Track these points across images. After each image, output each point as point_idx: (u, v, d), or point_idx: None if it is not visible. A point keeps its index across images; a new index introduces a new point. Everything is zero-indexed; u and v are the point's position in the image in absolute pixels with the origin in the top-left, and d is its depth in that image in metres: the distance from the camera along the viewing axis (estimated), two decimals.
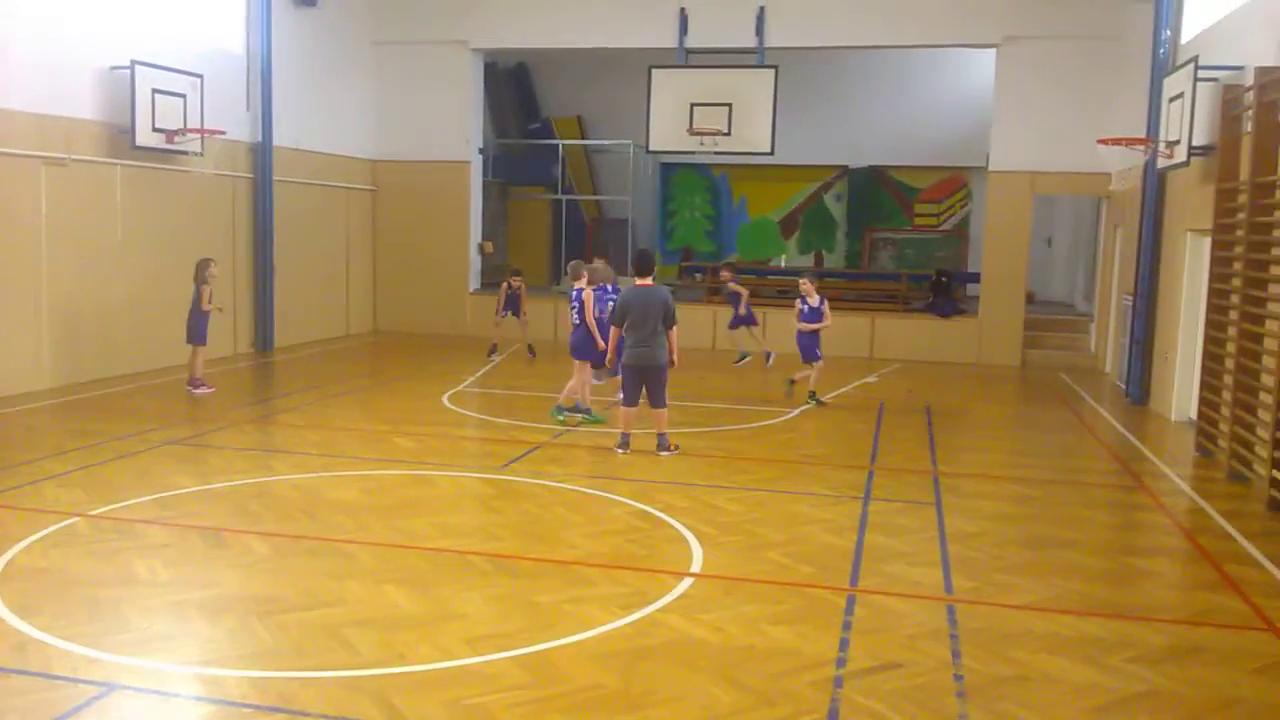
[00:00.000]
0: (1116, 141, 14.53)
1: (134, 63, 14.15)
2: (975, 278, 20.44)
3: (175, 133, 14.87)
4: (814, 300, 13.63)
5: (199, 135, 15.29)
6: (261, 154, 17.50)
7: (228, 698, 5.04)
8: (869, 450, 11.16)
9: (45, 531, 7.50)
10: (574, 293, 12.20)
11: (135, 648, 5.56)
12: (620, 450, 10.51)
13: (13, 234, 12.90)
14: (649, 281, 10.52)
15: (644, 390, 10.54)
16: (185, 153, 15.25)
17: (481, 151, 21.72)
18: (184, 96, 15.03)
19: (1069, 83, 18.07)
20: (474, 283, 21.26)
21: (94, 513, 8.02)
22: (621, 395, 10.78)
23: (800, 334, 13.69)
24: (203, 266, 13.33)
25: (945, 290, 20.29)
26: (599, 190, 26.69)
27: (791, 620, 6.16)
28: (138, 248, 14.85)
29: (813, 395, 13.65)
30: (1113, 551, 8.09)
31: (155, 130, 14.56)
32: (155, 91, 14.49)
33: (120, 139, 14.30)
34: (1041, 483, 10.06)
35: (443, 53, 20.74)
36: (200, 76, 15.35)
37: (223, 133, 15.75)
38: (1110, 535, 8.70)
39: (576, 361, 12.04)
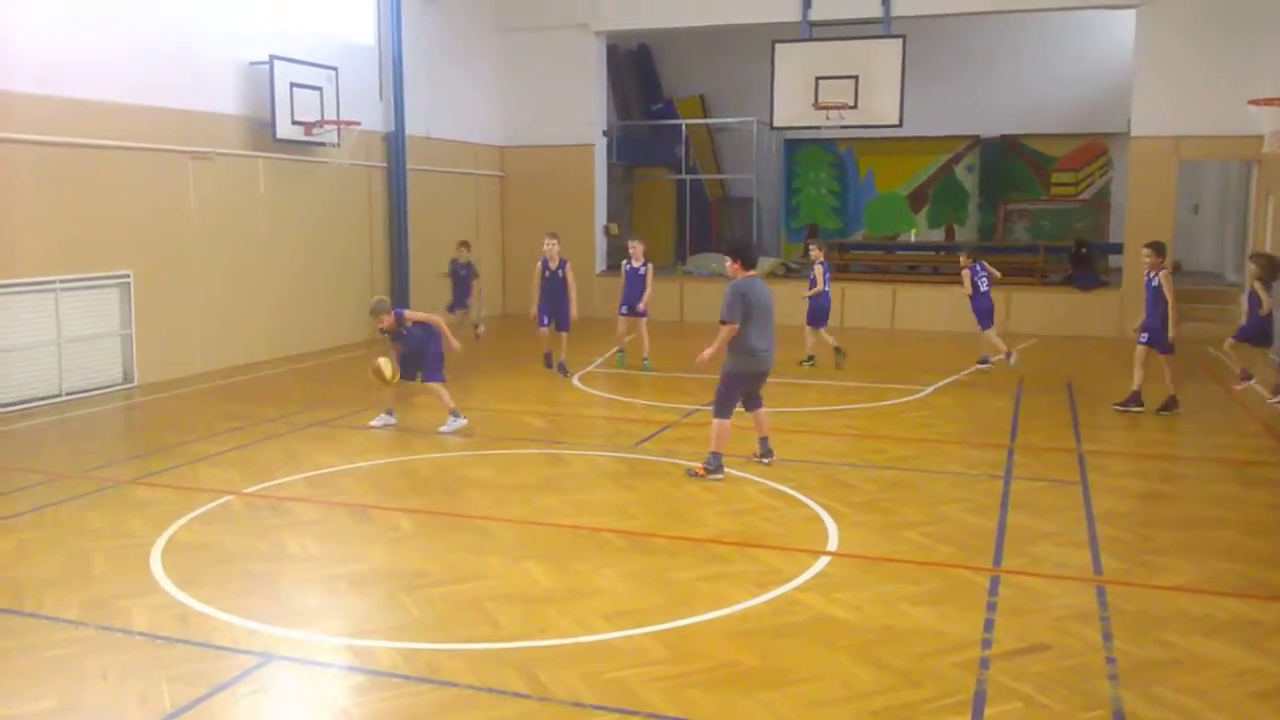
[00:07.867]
0: (1269, 102, 13.79)
1: (272, 58, 14.64)
2: (1117, 248, 19.67)
3: (313, 125, 15.35)
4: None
5: (335, 126, 15.77)
6: (394, 143, 17.94)
7: (378, 668, 5.21)
8: (1008, 428, 10.87)
9: (202, 509, 7.86)
10: None
11: (290, 619, 5.80)
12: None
13: (164, 226, 13.51)
14: (754, 273, 8.93)
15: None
16: (323, 144, 15.77)
17: (605, 134, 21.83)
18: (320, 89, 15.50)
19: (1215, 41, 17.17)
20: (600, 264, 21.42)
21: (247, 491, 8.37)
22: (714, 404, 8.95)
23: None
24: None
25: (1085, 261, 19.59)
26: (722, 169, 26.56)
27: (933, 600, 6.05)
28: (281, 237, 15.41)
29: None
30: (1270, 531, 7.70)
31: (294, 123, 15.04)
32: (293, 85, 14.97)
33: (261, 132, 14.83)
34: (1192, 460, 9.65)
35: (565, 37, 20.91)
36: (335, 69, 15.81)
37: (358, 123, 16.23)
38: (1267, 515, 8.27)
39: None
